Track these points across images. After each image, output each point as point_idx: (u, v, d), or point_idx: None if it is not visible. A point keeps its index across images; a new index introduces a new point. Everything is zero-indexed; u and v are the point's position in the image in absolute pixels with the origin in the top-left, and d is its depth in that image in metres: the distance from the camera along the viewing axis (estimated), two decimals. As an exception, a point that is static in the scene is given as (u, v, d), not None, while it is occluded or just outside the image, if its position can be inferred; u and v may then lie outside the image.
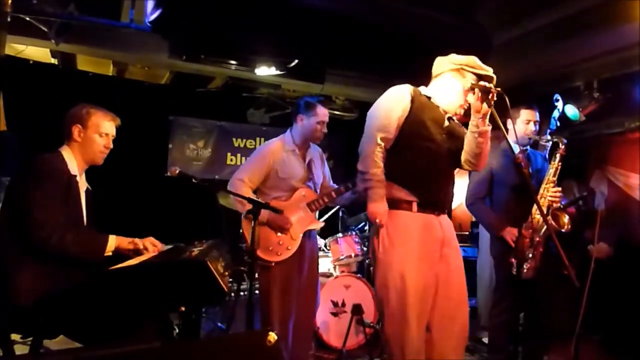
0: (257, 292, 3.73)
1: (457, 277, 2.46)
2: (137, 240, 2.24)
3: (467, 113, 2.45)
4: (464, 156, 2.50)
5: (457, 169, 2.60)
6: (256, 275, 3.66)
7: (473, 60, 2.43)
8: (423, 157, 2.42)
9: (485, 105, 2.28)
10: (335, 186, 3.28)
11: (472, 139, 2.40)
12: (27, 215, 2.02)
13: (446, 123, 2.49)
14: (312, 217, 3.16)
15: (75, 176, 2.25)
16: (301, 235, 3.07)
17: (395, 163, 2.43)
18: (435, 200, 2.45)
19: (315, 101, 3.11)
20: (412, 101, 2.42)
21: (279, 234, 3.00)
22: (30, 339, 2.13)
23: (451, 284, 2.43)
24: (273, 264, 2.96)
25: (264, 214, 2.86)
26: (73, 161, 2.26)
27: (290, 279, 3.01)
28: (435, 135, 2.43)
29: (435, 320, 2.41)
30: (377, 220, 2.40)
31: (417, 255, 2.37)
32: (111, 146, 2.36)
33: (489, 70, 2.40)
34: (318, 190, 3.23)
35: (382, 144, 2.40)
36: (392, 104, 2.43)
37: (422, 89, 2.52)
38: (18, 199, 2.10)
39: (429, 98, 2.49)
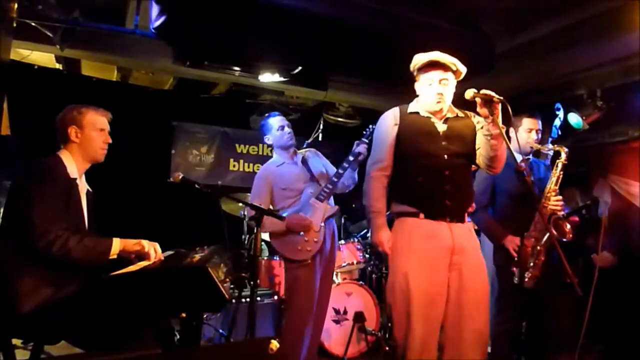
0: (259, 298, 3.74)
1: (472, 285, 2.43)
2: (144, 242, 2.20)
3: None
4: (481, 159, 2.51)
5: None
6: (260, 281, 3.72)
7: (416, 58, 2.50)
8: (423, 173, 2.48)
9: (489, 112, 2.29)
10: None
11: (486, 142, 2.42)
12: (28, 221, 2.01)
13: (441, 128, 2.51)
14: (325, 206, 3.27)
15: (75, 179, 2.23)
16: (322, 225, 3.22)
17: (399, 183, 2.57)
18: (443, 209, 2.46)
19: (265, 116, 3.42)
20: (399, 123, 2.56)
21: (301, 233, 3.15)
22: (32, 344, 2.12)
23: (464, 292, 2.42)
24: (309, 260, 3.14)
25: (280, 224, 3.06)
26: (72, 164, 2.24)
27: (314, 276, 3.16)
28: (430, 148, 2.48)
29: (447, 328, 2.44)
30: (381, 249, 2.53)
31: (422, 260, 2.41)
32: (110, 140, 2.35)
33: (430, 57, 2.44)
34: (322, 182, 3.36)
35: (378, 175, 2.57)
36: (380, 134, 2.62)
37: (410, 106, 2.60)
38: (18, 204, 2.09)
39: (418, 113, 2.56)
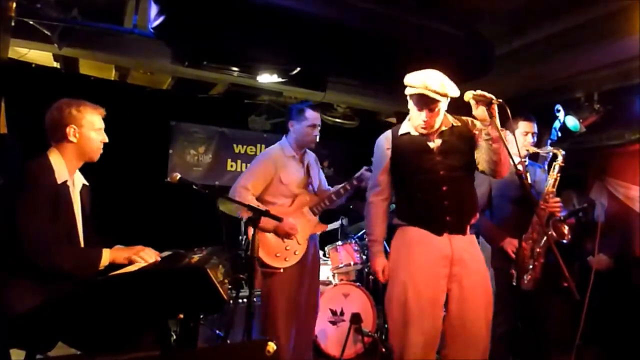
0: (255, 299, 3.73)
1: (473, 296, 2.44)
2: (133, 257, 2.17)
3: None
4: (485, 165, 2.49)
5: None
6: (256, 282, 3.66)
7: (406, 80, 2.44)
8: (421, 192, 2.50)
9: (488, 115, 2.28)
10: (331, 189, 3.33)
11: (487, 146, 2.41)
12: (15, 232, 1.97)
13: (434, 144, 2.51)
14: (316, 221, 3.21)
15: (65, 181, 2.17)
16: (307, 239, 3.12)
17: (399, 202, 2.61)
18: (443, 225, 2.47)
19: (306, 106, 3.15)
20: (392, 146, 2.58)
21: (285, 240, 3.03)
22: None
23: (465, 303, 2.43)
24: (282, 270, 3.00)
25: (271, 223, 2.86)
26: (62, 165, 2.17)
27: (294, 284, 3.04)
28: (425, 166, 2.49)
29: (448, 339, 2.46)
30: (377, 277, 2.57)
31: (420, 270, 2.43)
32: (107, 139, 2.30)
33: (417, 90, 2.38)
34: (318, 194, 3.28)
35: (375, 200, 2.63)
36: (375, 160, 2.68)
37: (402, 127, 2.60)
38: (6, 212, 2.03)
39: (409, 133, 2.56)
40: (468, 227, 2.54)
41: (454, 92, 2.41)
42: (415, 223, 2.50)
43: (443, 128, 2.52)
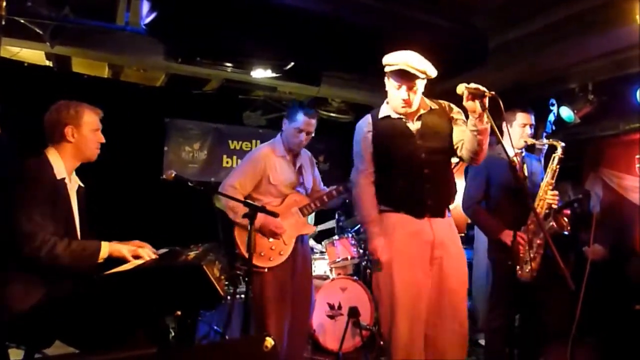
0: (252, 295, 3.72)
1: (453, 279, 2.49)
2: (131, 255, 2.18)
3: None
4: (464, 152, 2.51)
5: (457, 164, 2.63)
6: (251, 279, 3.62)
7: (385, 59, 2.46)
8: (403, 175, 2.51)
9: (479, 106, 2.28)
10: (326, 189, 3.30)
11: (472, 137, 2.41)
12: (14, 226, 1.98)
13: (415, 127, 2.53)
14: (305, 222, 3.18)
15: (63, 179, 2.18)
16: (294, 240, 3.08)
17: (381, 186, 2.59)
18: (424, 209, 2.50)
19: (302, 108, 3.10)
20: (372, 129, 2.58)
21: (271, 239, 3.00)
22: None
23: (445, 283, 2.48)
24: (266, 269, 2.97)
25: (258, 219, 2.83)
26: (60, 163, 2.20)
27: (283, 283, 3.02)
28: (407, 149, 2.50)
29: (431, 321, 2.48)
30: (375, 257, 2.52)
31: (405, 256, 2.46)
32: (104, 140, 2.32)
33: (398, 66, 2.39)
34: (309, 195, 3.25)
35: (365, 182, 2.59)
36: (357, 143, 2.64)
37: (381, 110, 2.61)
38: (5, 207, 2.04)
39: (389, 116, 2.57)
40: (447, 210, 2.59)
41: (432, 71, 2.44)
42: (396, 207, 2.53)
43: (422, 111, 2.55)
